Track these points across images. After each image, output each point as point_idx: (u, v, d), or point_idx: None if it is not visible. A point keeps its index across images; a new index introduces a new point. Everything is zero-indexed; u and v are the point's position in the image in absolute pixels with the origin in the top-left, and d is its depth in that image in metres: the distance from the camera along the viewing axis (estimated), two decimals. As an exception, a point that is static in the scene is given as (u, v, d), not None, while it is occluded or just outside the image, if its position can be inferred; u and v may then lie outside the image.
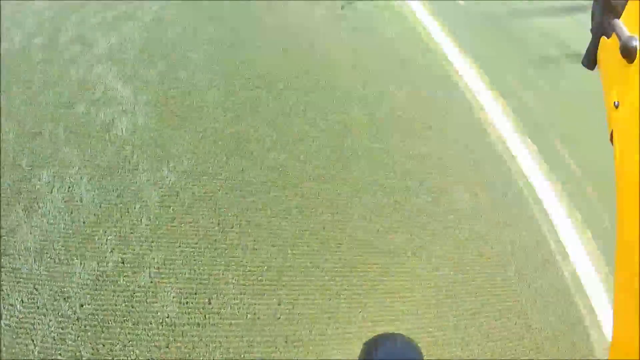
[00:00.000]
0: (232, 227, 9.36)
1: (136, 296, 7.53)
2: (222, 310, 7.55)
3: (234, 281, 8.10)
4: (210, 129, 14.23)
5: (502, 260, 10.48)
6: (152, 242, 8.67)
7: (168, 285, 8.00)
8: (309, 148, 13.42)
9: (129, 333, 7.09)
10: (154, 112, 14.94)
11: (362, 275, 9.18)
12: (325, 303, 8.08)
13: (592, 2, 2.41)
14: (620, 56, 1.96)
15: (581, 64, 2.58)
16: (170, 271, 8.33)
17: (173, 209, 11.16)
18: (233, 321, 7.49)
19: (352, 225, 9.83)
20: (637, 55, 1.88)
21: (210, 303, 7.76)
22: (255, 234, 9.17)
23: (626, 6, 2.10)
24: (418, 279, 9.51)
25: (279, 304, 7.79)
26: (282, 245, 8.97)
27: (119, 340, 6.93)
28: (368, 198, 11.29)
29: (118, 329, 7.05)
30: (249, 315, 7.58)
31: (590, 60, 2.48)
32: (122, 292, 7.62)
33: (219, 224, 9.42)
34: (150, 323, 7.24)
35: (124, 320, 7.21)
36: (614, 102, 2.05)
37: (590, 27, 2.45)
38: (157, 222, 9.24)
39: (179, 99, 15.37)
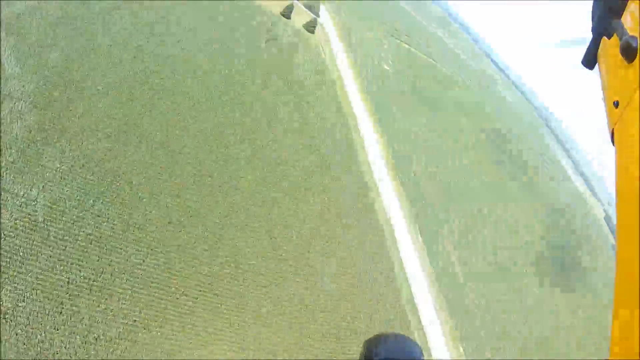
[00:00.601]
0: (78, 294, 9.57)
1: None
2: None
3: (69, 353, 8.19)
4: (91, 150, 14.00)
5: None
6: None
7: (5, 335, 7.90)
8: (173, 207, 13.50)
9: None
10: (36, 113, 14.47)
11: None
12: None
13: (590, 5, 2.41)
14: (620, 56, 1.98)
15: (581, 64, 2.47)
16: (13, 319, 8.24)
17: (23, 251, 11.01)
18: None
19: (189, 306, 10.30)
20: (637, 55, 1.90)
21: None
22: (102, 303, 9.35)
23: (626, 7, 2.10)
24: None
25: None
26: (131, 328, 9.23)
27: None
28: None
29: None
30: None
31: (590, 60, 2.44)
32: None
33: (67, 285, 9.50)
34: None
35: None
36: (614, 102, 2.03)
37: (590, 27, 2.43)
38: (5, 258, 9.10)
39: (65, 104, 14.99)
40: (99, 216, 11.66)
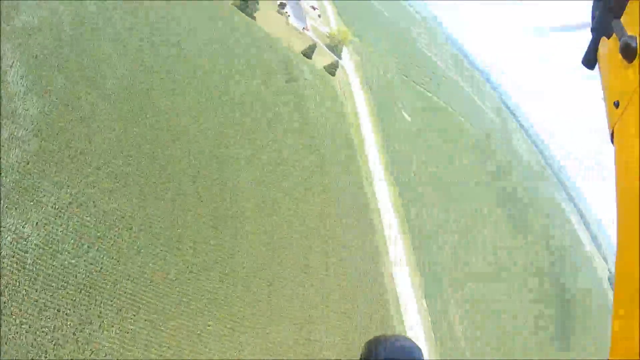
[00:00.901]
0: (63, 344, 9.70)
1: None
2: None
3: None
4: (91, 189, 14.33)
5: None
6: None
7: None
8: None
9: None
10: (36, 142, 14.87)
11: None
12: None
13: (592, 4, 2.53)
14: (620, 56, 2.06)
15: (581, 64, 2.58)
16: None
17: (9, 292, 11.19)
18: None
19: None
20: (637, 55, 1.99)
21: None
22: (88, 358, 9.42)
23: (626, 7, 2.18)
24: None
25: None
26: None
27: None
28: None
29: None
30: None
31: (590, 60, 2.54)
32: None
33: (52, 332, 9.64)
34: None
35: None
36: (614, 102, 2.11)
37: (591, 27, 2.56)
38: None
39: (68, 135, 15.41)
40: (92, 264, 11.77)
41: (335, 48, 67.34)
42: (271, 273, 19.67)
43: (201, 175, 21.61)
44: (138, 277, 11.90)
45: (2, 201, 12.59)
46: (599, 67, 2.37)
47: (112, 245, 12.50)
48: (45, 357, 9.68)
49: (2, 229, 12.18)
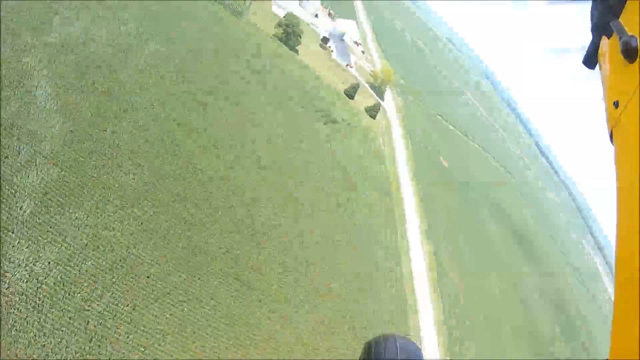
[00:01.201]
0: None
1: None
2: None
3: None
4: (111, 230, 14.52)
5: None
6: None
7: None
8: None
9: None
10: (56, 172, 15.22)
11: None
12: None
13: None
14: (620, 56, 2.26)
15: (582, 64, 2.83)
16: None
17: (15, 330, 11.34)
18: None
19: None
20: (638, 55, 2.20)
21: None
22: None
23: (626, 6, 2.42)
24: None
25: None
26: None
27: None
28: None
29: None
30: None
31: (591, 59, 2.80)
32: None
33: None
34: None
35: None
36: (614, 102, 2.35)
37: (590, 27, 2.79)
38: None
39: (90, 169, 15.71)
40: (106, 311, 11.76)
41: (377, 88, 68.38)
42: (293, 334, 19.69)
43: (226, 232, 21.84)
44: (152, 328, 11.90)
45: (15, 232, 12.79)
46: (600, 67, 2.60)
47: (127, 291, 12.51)
48: (47, 410, 9.77)
49: (11, 263, 12.28)
